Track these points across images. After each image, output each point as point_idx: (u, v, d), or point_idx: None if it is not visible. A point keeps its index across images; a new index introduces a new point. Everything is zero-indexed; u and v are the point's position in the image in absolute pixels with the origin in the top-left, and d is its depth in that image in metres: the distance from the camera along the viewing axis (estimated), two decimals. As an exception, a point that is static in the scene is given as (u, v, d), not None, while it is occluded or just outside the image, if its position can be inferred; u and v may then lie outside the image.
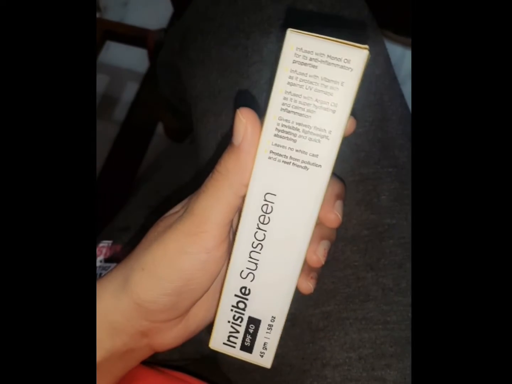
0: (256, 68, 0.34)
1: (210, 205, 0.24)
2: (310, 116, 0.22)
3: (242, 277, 0.25)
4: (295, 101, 0.22)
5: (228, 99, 0.35)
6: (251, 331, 0.25)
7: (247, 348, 0.26)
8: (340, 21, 0.34)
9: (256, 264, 0.24)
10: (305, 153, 0.22)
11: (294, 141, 0.22)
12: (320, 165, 0.22)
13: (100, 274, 0.38)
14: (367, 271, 0.31)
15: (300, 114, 0.22)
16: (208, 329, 0.27)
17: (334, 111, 0.22)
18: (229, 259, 0.25)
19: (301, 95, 0.22)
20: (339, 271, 0.32)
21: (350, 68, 0.21)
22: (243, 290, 0.25)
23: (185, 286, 0.25)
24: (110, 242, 0.41)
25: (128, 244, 0.41)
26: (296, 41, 0.21)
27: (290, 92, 0.22)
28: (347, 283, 0.31)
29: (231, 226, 0.25)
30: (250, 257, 0.24)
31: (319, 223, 0.25)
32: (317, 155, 0.22)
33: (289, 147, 0.22)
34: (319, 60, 0.21)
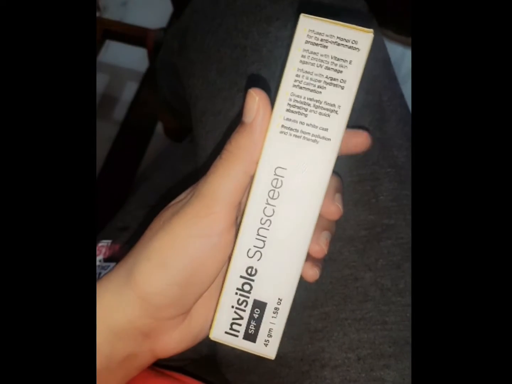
0: (255, 67, 0.34)
1: (219, 184, 0.24)
2: (320, 92, 0.23)
3: (248, 256, 0.24)
4: (307, 78, 0.23)
5: (227, 98, 0.35)
6: (255, 316, 0.25)
7: (251, 336, 0.25)
8: (345, 14, 0.34)
9: (263, 241, 0.24)
10: (316, 127, 0.23)
11: (305, 115, 0.23)
12: (330, 139, 0.23)
13: (100, 273, 0.38)
14: (365, 272, 0.31)
15: (311, 90, 0.23)
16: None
17: (343, 87, 0.23)
18: (235, 240, 0.24)
19: (312, 72, 0.23)
20: (337, 271, 0.32)
21: (358, 48, 0.23)
22: (249, 271, 0.24)
23: (194, 276, 0.24)
24: (109, 241, 0.41)
25: (127, 244, 0.41)
26: (309, 24, 0.23)
27: (302, 70, 0.23)
28: (345, 284, 0.31)
29: (240, 210, 0.25)
30: (258, 234, 0.24)
31: (319, 216, 0.25)
32: (327, 128, 0.23)
33: (300, 121, 0.23)
34: (330, 41, 0.23)
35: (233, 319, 0.25)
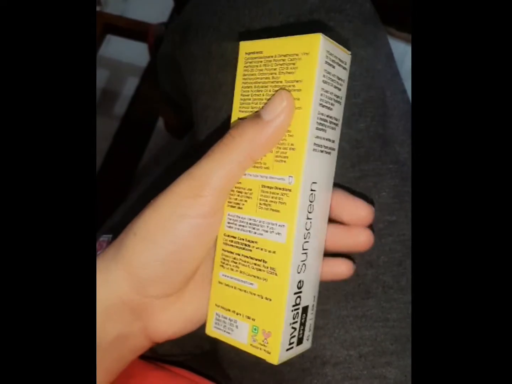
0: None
1: (211, 168, 0.24)
2: (332, 109, 0.25)
3: (298, 272, 0.25)
4: (326, 97, 0.25)
5: (228, 94, 0.34)
6: (303, 320, 0.26)
7: (300, 340, 0.26)
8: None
9: (306, 254, 0.25)
10: (330, 140, 0.25)
11: (325, 131, 0.25)
12: (334, 149, 0.26)
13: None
14: (366, 269, 0.31)
15: (328, 108, 0.25)
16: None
17: (340, 103, 0.26)
18: (284, 261, 0.24)
19: (328, 91, 0.25)
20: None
21: (346, 68, 0.26)
22: (299, 285, 0.25)
23: (178, 253, 0.24)
24: (110, 236, 0.41)
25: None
26: (326, 46, 0.24)
27: (323, 89, 0.24)
28: (346, 281, 0.31)
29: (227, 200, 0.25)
30: (303, 249, 0.25)
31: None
32: (334, 140, 0.26)
33: (322, 137, 0.25)
34: (336, 61, 0.25)
35: (291, 334, 0.25)
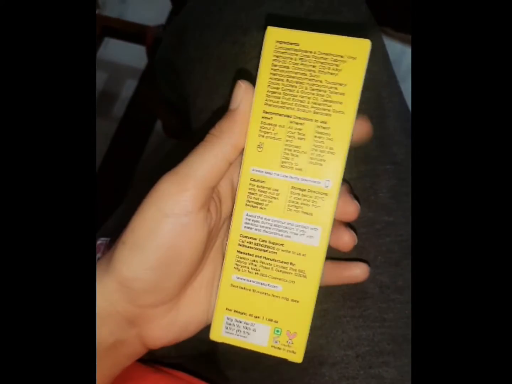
0: (253, 64, 0.34)
1: (195, 163, 0.24)
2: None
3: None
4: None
5: (226, 96, 0.35)
6: None
7: None
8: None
9: None
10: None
11: None
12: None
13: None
14: (364, 269, 0.31)
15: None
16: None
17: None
18: (315, 264, 0.25)
19: None
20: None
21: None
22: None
23: (167, 257, 0.24)
24: (107, 239, 0.41)
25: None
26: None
27: None
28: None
29: (215, 200, 0.25)
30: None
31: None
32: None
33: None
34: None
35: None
